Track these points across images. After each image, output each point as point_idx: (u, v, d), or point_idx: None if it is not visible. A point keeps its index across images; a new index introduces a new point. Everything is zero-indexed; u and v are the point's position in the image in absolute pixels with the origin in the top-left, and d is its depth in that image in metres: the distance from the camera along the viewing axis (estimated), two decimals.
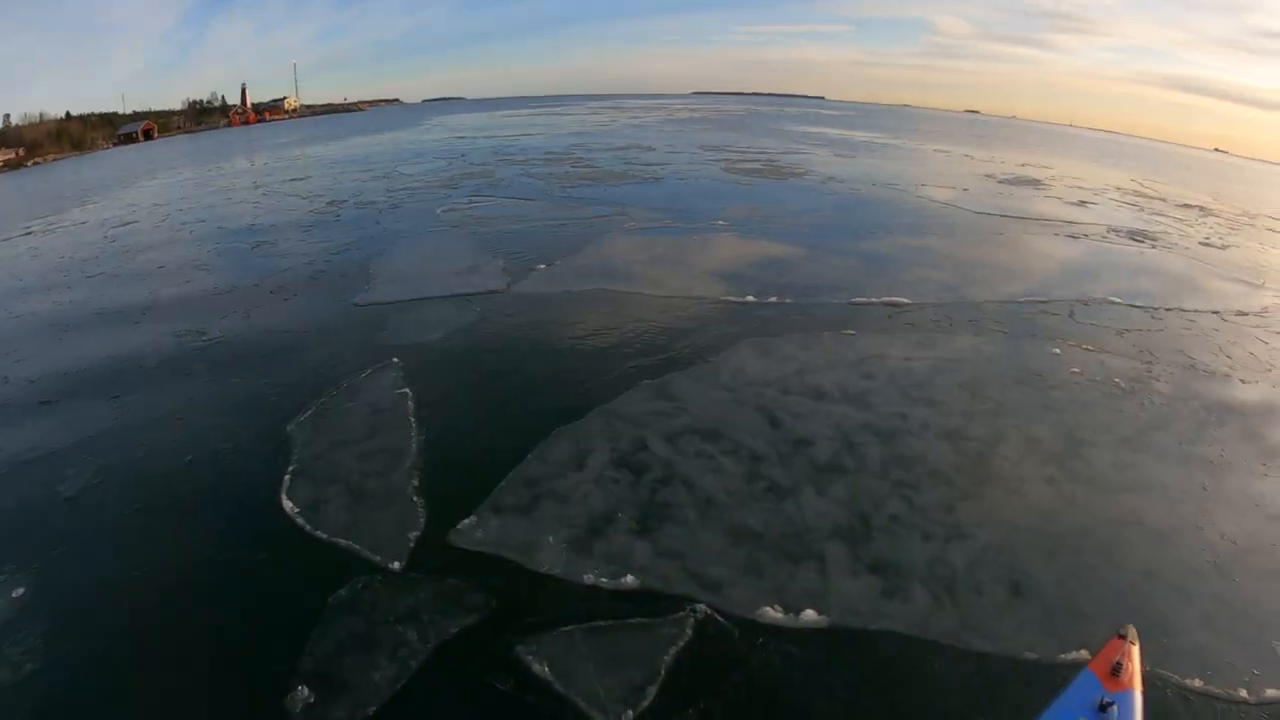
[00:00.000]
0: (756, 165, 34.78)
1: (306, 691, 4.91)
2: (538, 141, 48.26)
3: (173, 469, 7.90)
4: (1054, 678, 4.83)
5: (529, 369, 10.31)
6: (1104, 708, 4.23)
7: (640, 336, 11.46)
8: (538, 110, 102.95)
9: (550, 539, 6.45)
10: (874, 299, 13.66)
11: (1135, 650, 4.63)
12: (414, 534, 6.56)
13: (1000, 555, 6.52)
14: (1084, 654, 5.18)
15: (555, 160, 35.67)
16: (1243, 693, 5.19)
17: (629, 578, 6.00)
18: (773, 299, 13.47)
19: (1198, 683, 5.23)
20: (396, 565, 6.16)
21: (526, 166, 33.14)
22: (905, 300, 13.65)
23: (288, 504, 7.06)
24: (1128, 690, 4.36)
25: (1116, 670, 4.44)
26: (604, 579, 5.99)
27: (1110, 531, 7.00)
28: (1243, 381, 10.90)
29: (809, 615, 5.69)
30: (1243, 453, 8.68)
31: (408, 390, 9.40)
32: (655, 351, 10.83)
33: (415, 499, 7.08)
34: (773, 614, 5.68)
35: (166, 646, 5.52)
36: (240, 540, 6.63)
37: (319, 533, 6.62)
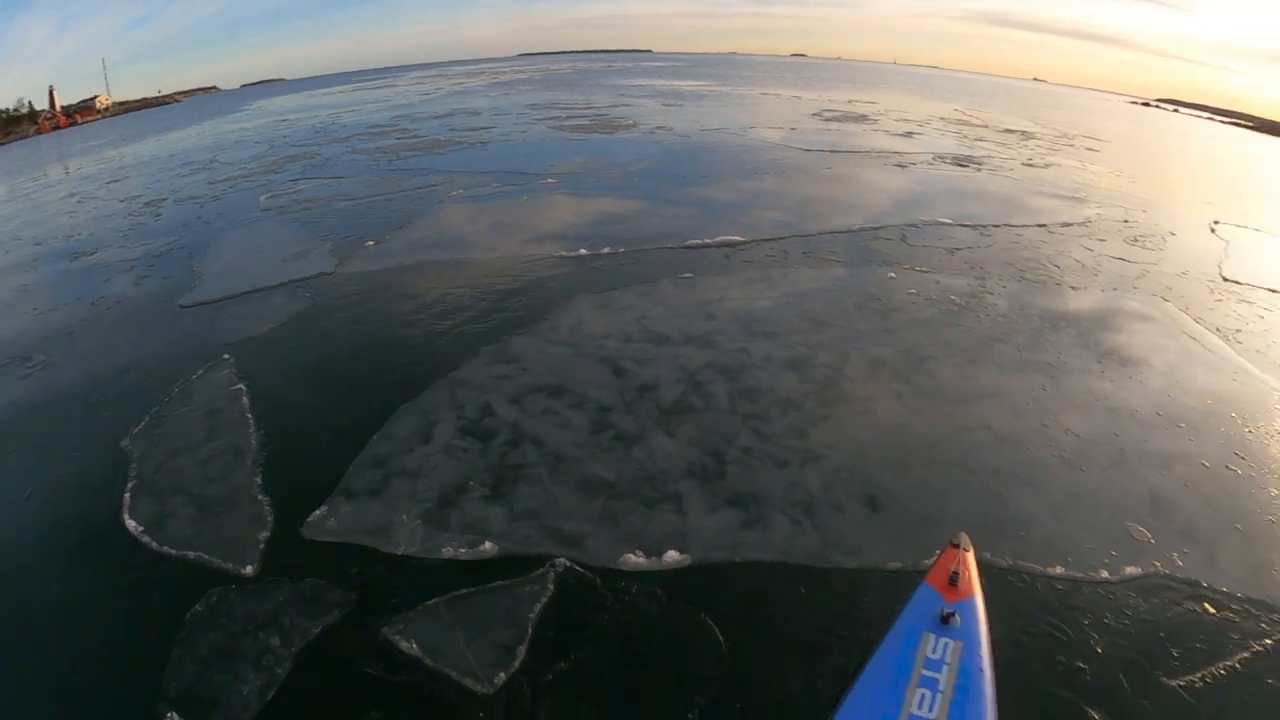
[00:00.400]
0: (584, 121, 34.63)
1: (176, 717, 4.73)
2: (361, 117, 46.18)
3: (8, 505, 7.31)
4: (918, 584, 4.96)
5: (366, 349, 10.07)
6: (945, 619, 4.35)
7: (477, 302, 11.36)
8: (361, 85, 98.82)
9: (404, 517, 6.38)
10: (709, 240, 14.00)
11: (970, 557, 4.85)
12: (264, 534, 6.33)
13: (855, 474, 6.85)
14: None
15: (380, 134, 34.41)
16: (1104, 574, 5.64)
17: (487, 544, 6.03)
18: (606, 250, 13.59)
19: (1059, 570, 5.64)
20: (250, 570, 5.94)
21: (350, 143, 31.81)
22: (741, 239, 14.06)
23: (131, 523, 6.63)
24: (968, 598, 4.53)
25: (954, 580, 4.60)
26: (462, 549, 6.00)
27: (959, 439, 7.47)
28: (1073, 289, 11.83)
29: (671, 556, 5.84)
30: (1079, 355, 9.40)
31: (242, 386, 8.98)
32: (493, 315, 10.77)
33: (261, 497, 6.82)
34: (634, 559, 5.82)
35: (20, 692, 5.19)
36: (86, 569, 6.21)
37: (166, 548, 6.27)
